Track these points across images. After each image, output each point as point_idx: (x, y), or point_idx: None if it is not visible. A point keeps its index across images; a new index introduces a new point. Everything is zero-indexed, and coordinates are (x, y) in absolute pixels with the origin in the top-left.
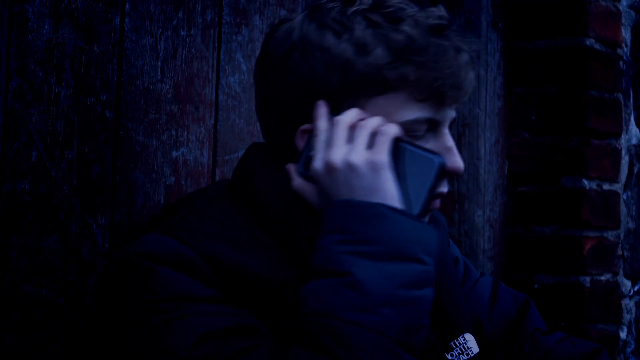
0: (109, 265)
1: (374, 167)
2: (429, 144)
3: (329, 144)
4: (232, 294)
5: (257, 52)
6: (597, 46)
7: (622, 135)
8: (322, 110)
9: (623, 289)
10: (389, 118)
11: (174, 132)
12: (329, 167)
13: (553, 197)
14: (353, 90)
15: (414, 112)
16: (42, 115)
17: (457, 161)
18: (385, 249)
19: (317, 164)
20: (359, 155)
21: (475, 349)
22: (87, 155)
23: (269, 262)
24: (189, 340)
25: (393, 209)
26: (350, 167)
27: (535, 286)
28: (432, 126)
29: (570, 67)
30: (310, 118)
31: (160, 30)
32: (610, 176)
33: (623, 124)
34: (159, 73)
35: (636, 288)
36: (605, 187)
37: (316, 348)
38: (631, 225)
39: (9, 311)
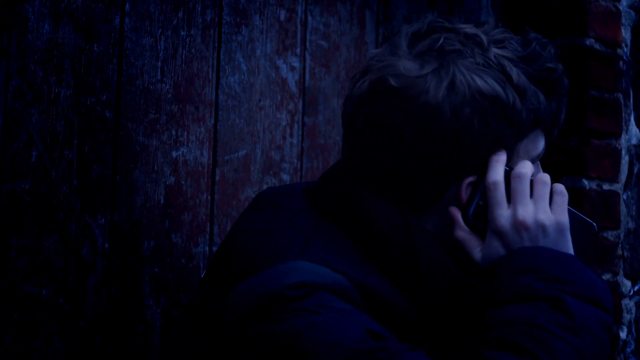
0: (244, 305)
1: (559, 229)
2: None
3: (511, 199)
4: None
5: (258, 52)
6: (597, 46)
7: (622, 135)
8: (500, 162)
9: (623, 289)
10: (526, 154)
11: (174, 132)
12: (519, 224)
13: None
14: (518, 137)
15: (542, 144)
16: (42, 115)
17: None
18: (583, 291)
19: (503, 220)
20: (547, 215)
21: None
22: (87, 155)
23: (397, 294)
24: (355, 331)
25: (580, 262)
26: (540, 226)
27: None
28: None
29: (570, 67)
30: (474, 170)
31: (160, 30)
32: (610, 176)
33: (623, 124)
34: (159, 73)
35: (636, 288)
36: (605, 187)
37: (516, 350)
38: (631, 225)
39: (9, 311)
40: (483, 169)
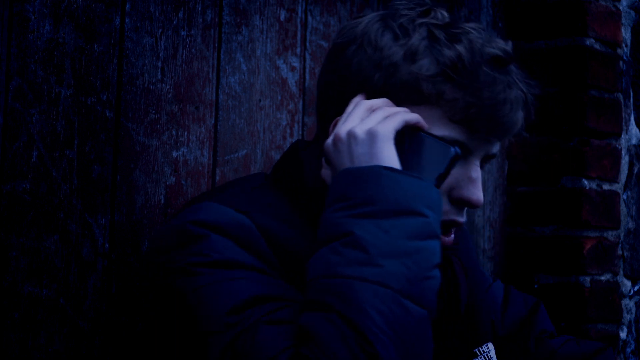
0: (157, 236)
1: (372, 135)
2: (454, 170)
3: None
4: (282, 267)
5: (258, 52)
6: (597, 46)
7: (622, 135)
8: (356, 100)
9: (623, 289)
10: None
11: (174, 132)
12: (335, 139)
13: (553, 197)
14: (392, 93)
15: (444, 130)
16: (43, 115)
17: (476, 193)
18: (383, 206)
19: (328, 140)
20: (361, 126)
21: (495, 358)
22: (87, 155)
23: (311, 245)
24: (233, 302)
25: (389, 169)
26: (351, 135)
27: (535, 286)
28: (463, 152)
29: (570, 67)
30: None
31: (160, 30)
32: (610, 176)
33: (623, 124)
34: (159, 73)
35: (636, 288)
36: (605, 187)
37: (323, 309)
38: (631, 225)
39: (9, 311)
40: None
